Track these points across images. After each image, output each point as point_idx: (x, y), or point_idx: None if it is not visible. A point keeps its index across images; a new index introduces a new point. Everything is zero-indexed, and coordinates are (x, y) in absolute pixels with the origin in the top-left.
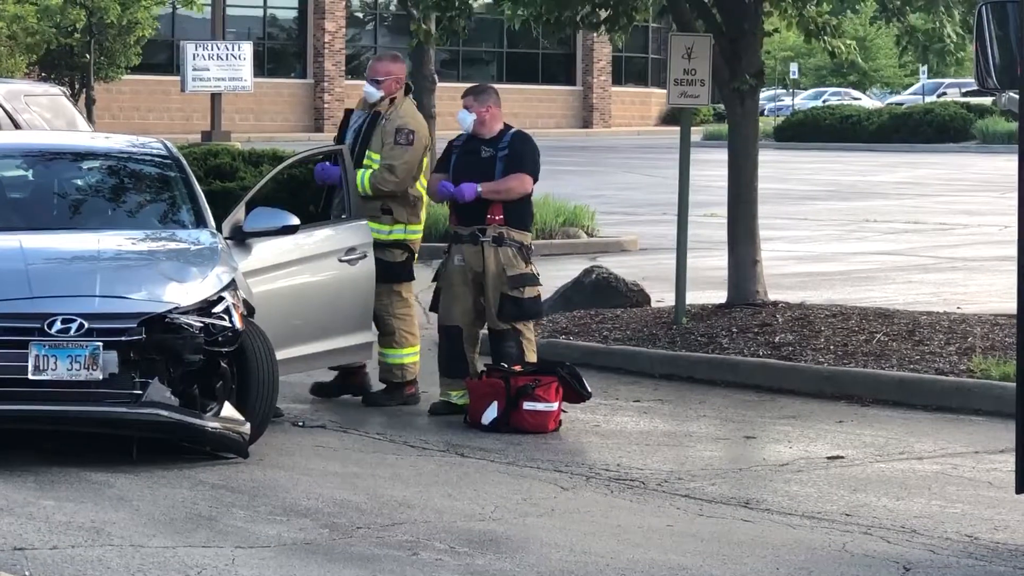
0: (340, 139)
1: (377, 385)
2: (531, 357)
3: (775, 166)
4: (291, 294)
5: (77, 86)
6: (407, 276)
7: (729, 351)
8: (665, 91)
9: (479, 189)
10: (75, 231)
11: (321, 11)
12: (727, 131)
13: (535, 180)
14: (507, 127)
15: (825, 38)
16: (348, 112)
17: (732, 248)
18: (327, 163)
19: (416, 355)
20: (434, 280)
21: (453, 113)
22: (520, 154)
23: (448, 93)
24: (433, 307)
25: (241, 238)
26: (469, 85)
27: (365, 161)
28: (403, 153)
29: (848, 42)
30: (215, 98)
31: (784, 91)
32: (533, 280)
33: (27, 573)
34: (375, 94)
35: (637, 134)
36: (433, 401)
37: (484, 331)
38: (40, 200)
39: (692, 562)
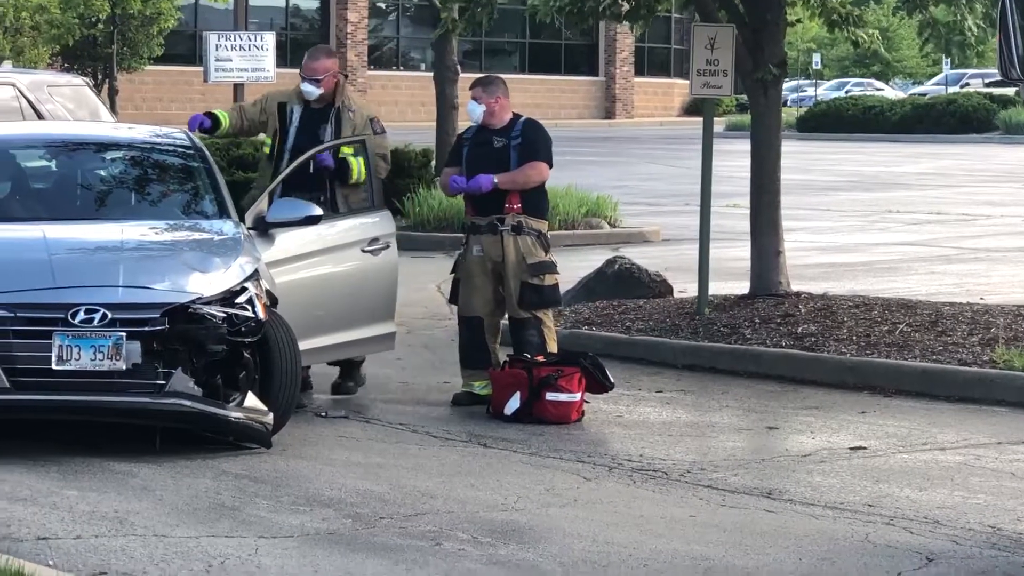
0: (283, 133)
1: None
2: (552, 346)
3: (798, 157)
4: (314, 284)
5: (100, 77)
6: None
7: (752, 342)
8: (688, 82)
9: (495, 180)
10: (98, 221)
11: (344, 1)
12: (750, 122)
13: (550, 167)
14: (516, 116)
15: (848, 28)
16: (282, 105)
17: (755, 239)
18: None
19: None
20: (453, 271)
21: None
22: (534, 142)
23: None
24: (452, 299)
25: (264, 228)
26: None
27: (339, 154)
28: (384, 141)
29: (871, 31)
30: (238, 88)
31: (807, 82)
32: (552, 268)
33: (51, 562)
34: (315, 92)
35: (660, 125)
36: (456, 392)
37: (504, 321)
38: (63, 191)
39: (715, 552)
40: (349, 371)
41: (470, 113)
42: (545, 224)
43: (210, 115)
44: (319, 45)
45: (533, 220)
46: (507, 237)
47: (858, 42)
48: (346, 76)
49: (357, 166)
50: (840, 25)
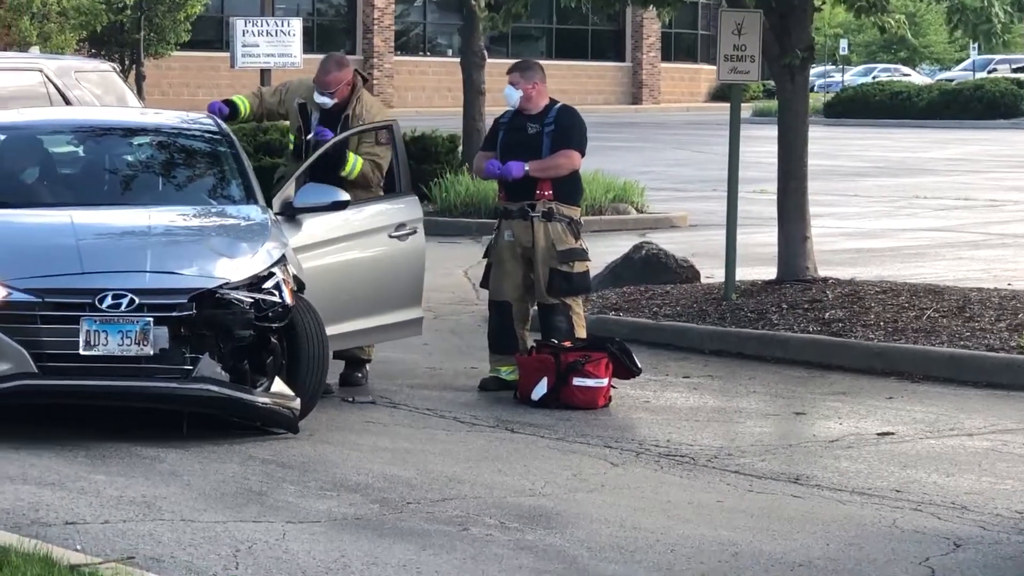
0: (305, 132)
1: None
2: (580, 332)
3: (825, 142)
4: (341, 270)
5: (127, 63)
6: None
7: (779, 327)
8: (714, 67)
9: (526, 168)
10: (126, 207)
11: None
12: (777, 107)
13: (583, 155)
14: (553, 102)
15: (876, 16)
16: (302, 105)
17: (782, 224)
18: (327, 130)
19: None
20: (485, 256)
21: (503, 89)
22: (567, 129)
23: (498, 69)
24: (484, 283)
25: (291, 214)
26: (517, 62)
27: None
28: (385, 152)
29: (898, 17)
30: (264, 74)
31: (834, 67)
32: (582, 255)
33: (79, 547)
34: (328, 103)
35: (686, 110)
36: (483, 377)
37: (534, 307)
38: (91, 176)
39: (742, 538)
40: (357, 363)
41: (507, 98)
42: (577, 211)
43: (228, 102)
44: (331, 55)
45: (564, 207)
46: (537, 223)
47: (885, 28)
48: (365, 79)
49: (352, 161)
50: (868, 11)
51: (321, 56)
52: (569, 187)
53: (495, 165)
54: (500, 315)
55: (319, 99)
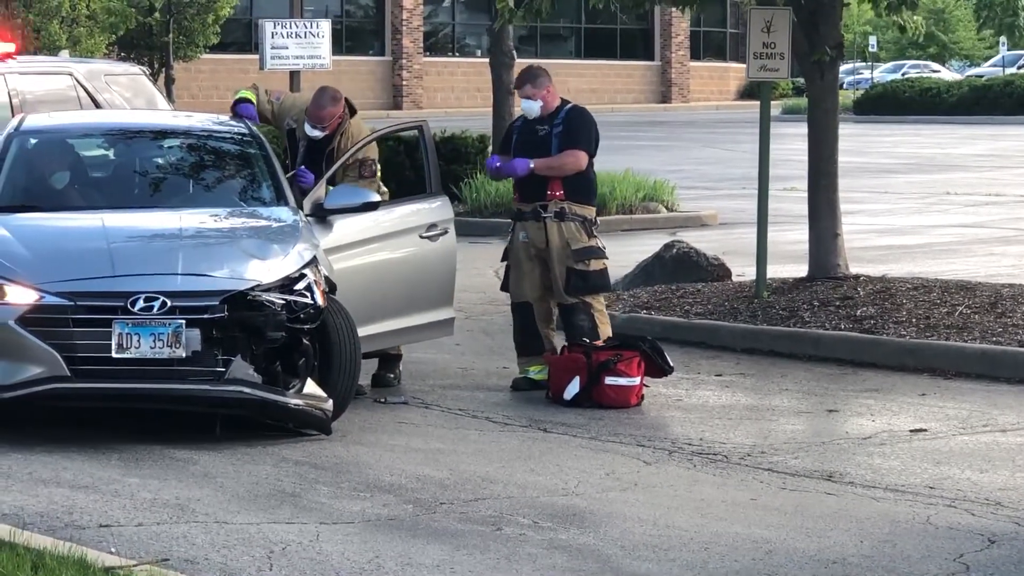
0: (292, 157)
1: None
2: (605, 330)
3: (855, 139)
4: (372, 271)
5: (156, 65)
6: None
7: (810, 325)
8: (744, 65)
9: (531, 165)
10: (157, 209)
11: None
12: (807, 105)
13: (591, 155)
14: (564, 103)
15: (901, 15)
16: (291, 132)
17: (813, 222)
18: (309, 173)
19: None
20: (503, 259)
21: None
22: (574, 130)
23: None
24: (504, 286)
25: (322, 215)
26: (548, 61)
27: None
28: (369, 186)
29: (916, 18)
30: (294, 76)
31: (863, 64)
32: (599, 253)
33: (113, 550)
34: (319, 136)
35: (716, 109)
36: (515, 377)
37: (556, 307)
38: (122, 179)
39: (776, 535)
40: (389, 363)
41: (527, 112)
42: (591, 210)
43: (246, 100)
44: (326, 89)
45: (577, 206)
46: (550, 223)
47: (905, 27)
48: (354, 111)
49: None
50: (896, 9)
51: (352, 58)
52: (580, 186)
53: (495, 160)
54: (523, 317)
55: (310, 131)
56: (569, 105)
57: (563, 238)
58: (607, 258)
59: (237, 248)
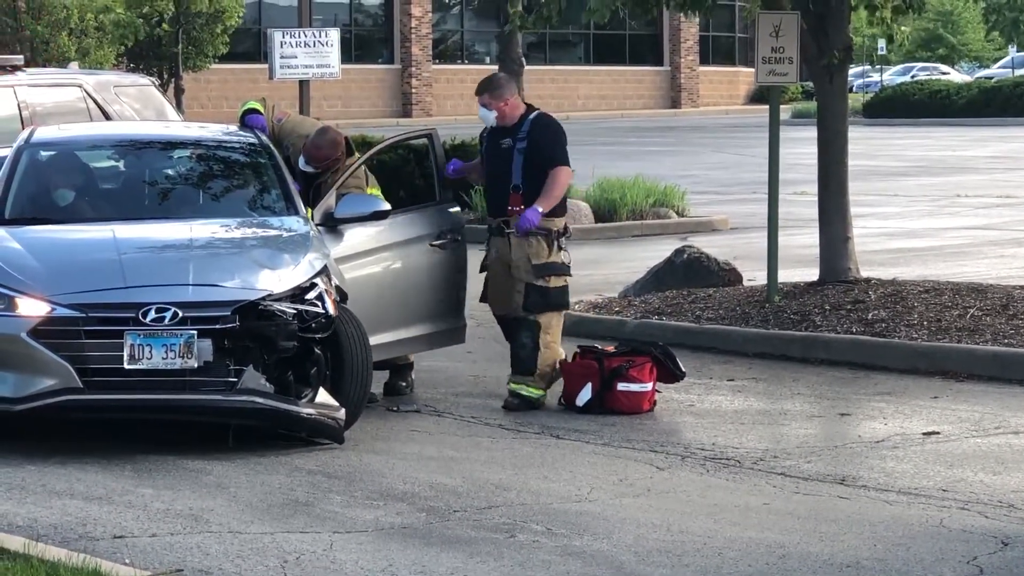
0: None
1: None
2: (549, 355)
3: (864, 143)
4: (383, 279)
5: (166, 76)
6: None
7: (822, 328)
8: (753, 70)
9: (540, 209)
10: (167, 220)
11: None
12: (816, 108)
13: (568, 164)
14: (529, 110)
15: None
16: (286, 159)
17: (823, 225)
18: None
19: None
20: (481, 271)
21: (541, 96)
22: (542, 147)
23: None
24: (483, 298)
25: (332, 224)
26: (557, 68)
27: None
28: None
29: (904, 28)
30: (303, 85)
31: (872, 67)
32: (560, 269)
33: (127, 561)
34: (310, 170)
35: (725, 113)
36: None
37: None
38: (132, 190)
39: (789, 540)
40: (400, 371)
41: (483, 120)
42: (558, 221)
43: (256, 111)
44: (327, 131)
45: (545, 220)
46: (513, 239)
47: (893, 37)
48: (352, 151)
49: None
50: (896, 13)
51: (361, 66)
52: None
53: (455, 164)
54: (505, 329)
55: (302, 165)
56: (533, 115)
57: (524, 252)
58: (569, 275)
59: (248, 258)
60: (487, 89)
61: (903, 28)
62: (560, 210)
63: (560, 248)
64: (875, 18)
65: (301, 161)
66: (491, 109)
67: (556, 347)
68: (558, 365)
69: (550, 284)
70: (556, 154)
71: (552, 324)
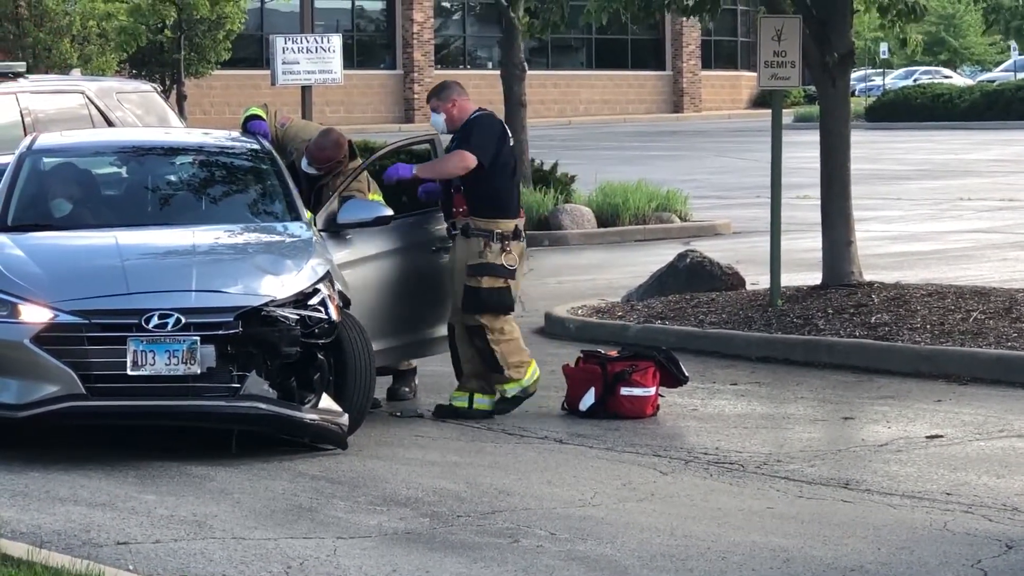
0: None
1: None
2: (508, 357)
3: (867, 146)
4: (386, 285)
5: (168, 82)
6: None
7: (825, 332)
8: (755, 74)
9: (414, 170)
10: (170, 226)
11: (409, 2)
12: (819, 112)
13: (485, 161)
14: (478, 111)
15: (906, 27)
16: (290, 164)
17: (826, 229)
18: None
19: None
20: None
21: (543, 101)
22: (467, 133)
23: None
24: None
25: (335, 230)
26: (559, 73)
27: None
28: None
29: (915, 36)
30: (305, 91)
31: (874, 71)
32: (495, 270)
33: (131, 567)
34: (312, 172)
35: (728, 118)
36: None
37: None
38: (135, 197)
39: (793, 544)
40: (403, 376)
41: (434, 126)
42: (500, 223)
43: (258, 117)
44: (330, 132)
45: (481, 221)
46: (458, 240)
47: (906, 42)
48: (354, 155)
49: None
50: (904, 16)
51: (363, 72)
52: (482, 200)
53: (427, 187)
54: (450, 337)
55: (305, 167)
56: (475, 115)
57: (464, 254)
58: (509, 276)
59: (251, 264)
60: (434, 94)
61: (914, 36)
62: (502, 213)
63: (504, 251)
64: (887, 21)
65: (304, 163)
66: (439, 112)
67: (512, 343)
68: (525, 355)
69: (482, 284)
70: (471, 141)
71: (496, 326)
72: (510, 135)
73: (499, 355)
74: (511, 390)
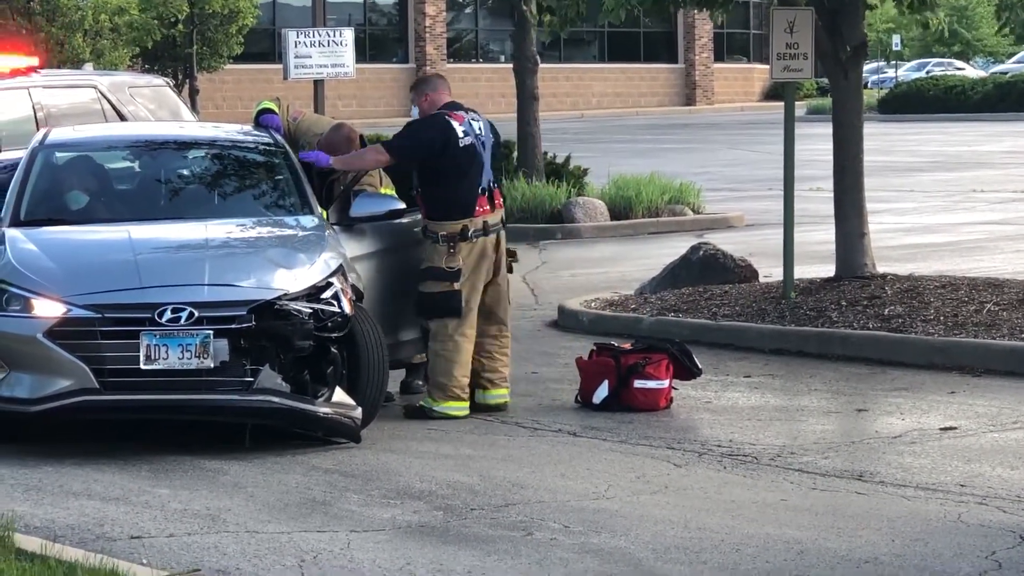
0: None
1: None
2: (441, 363)
3: (880, 138)
4: (398, 278)
5: (180, 77)
6: None
7: (838, 324)
8: (767, 66)
9: (331, 161)
10: (182, 220)
11: None
12: (831, 105)
13: (396, 155)
14: (436, 111)
15: (924, 12)
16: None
17: (839, 221)
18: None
19: None
20: None
21: (556, 94)
22: (401, 130)
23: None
24: None
25: (348, 223)
26: (571, 66)
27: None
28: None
29: (940, 15)
30: (318, 85)
31: (887, 63)
32: (438, 274)
33: (144, 561)
34: (326, 163)
35: (740, 110)
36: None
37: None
38: (147, 191)
39: (807, 536)
40: (416, 370)
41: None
42: (448, 225)
43: (271, 111)
44: (343, 127)
45: (433, 223)
46: (423, 243)
47: (928, 24)
48: (364, 142)
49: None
50: (916, 9)
51: (375, 66)
52: (429, 203)
53: (313, 155)
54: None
55: (319, 158)
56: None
57: (423, 256)
58: (454, 280)
59: (263, 257)
60: (413, 87)
61: (939, 13)
62: (450, 214)
63: (450, 252)
64: (903, 7)
65: (317, 158)
66: (415, 105)
67: (450, 357)
68: (459, 380)
69: (426, 289)
70: (394, 138)
71: (439, 333)
72: (463, 136)
73: (431, 364)
74: (426, 404)
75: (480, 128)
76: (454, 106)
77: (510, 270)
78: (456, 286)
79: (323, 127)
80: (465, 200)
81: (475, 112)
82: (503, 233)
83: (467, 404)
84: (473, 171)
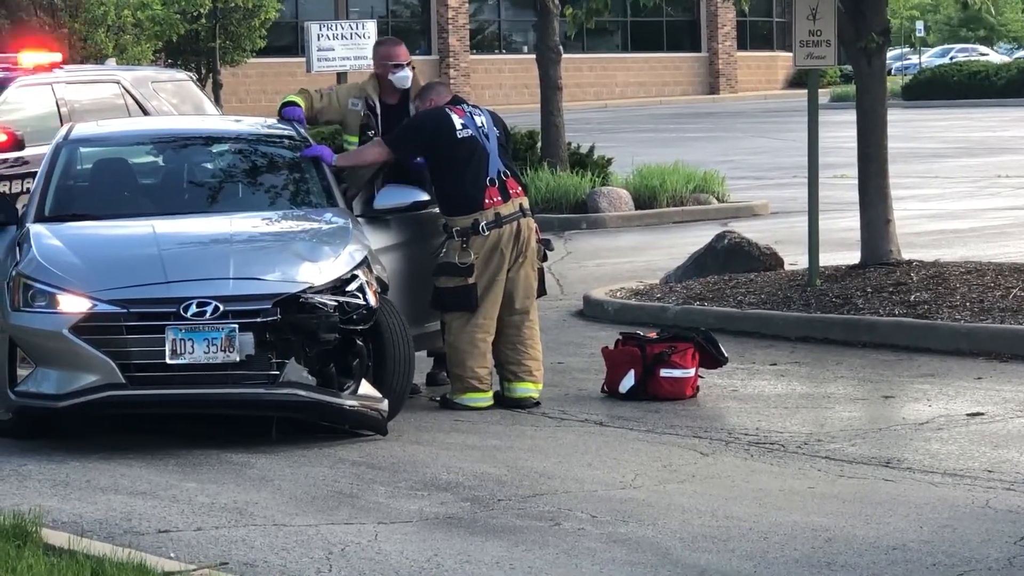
0: (383, 131)
1: None
2: (456, 355)
3: (904, 125)
4: (424, 269)
5: (203, 71)
6: None
7: (864, 311)
8: (791, 54)
9: (333, 158)
10: (207, 214)
11: None
12: (855, 92)
13: (396, 149)
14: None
15: None
16: (371, 108)
17: (864, 208)
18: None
19: None
20: None
21: (580, 84)
22: (400, 126)
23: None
24: None
25: (372, 215)
26: (595, 56)
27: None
28: None
29: None
30: (340, 77)
31: (910, 50)
32: (449, 269)
33: (172, 555)
34: (409, 76)
35: (764, 98)
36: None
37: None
38: (171, 185)
39: (834, 523)
40: (442, 361)
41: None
42: (457, 220)
43: (294, 104)
44: (385, 38)
45: (447, 219)
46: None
47: (968, 4)
48: (412, 69)
49: None
50: None
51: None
52: (442, 199)
53: (318, 150)
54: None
55: (399, 77)
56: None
57: (437, 251)
58: (467, 275)
59: (288, 251)
60: (418, 95)
61: None
62: (455, 210)
63: (463, 247)
64: None
65: (397, 78)
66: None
67: (464, 349)
68: (475, 371)
69: (438, 284)
70: (391, 132)
71: (453, 326)
72: (461, 128)
73: (448, 356)
74: (450, 396)
75: (482, 121)
76: (455, 101)
77: (545, 259)
78: (470, 280)
79: (357, 82)
80: (471, 193)
81: (478, 107)
82: (525, 222)
83: (488, 395)
84: (476, 163)
